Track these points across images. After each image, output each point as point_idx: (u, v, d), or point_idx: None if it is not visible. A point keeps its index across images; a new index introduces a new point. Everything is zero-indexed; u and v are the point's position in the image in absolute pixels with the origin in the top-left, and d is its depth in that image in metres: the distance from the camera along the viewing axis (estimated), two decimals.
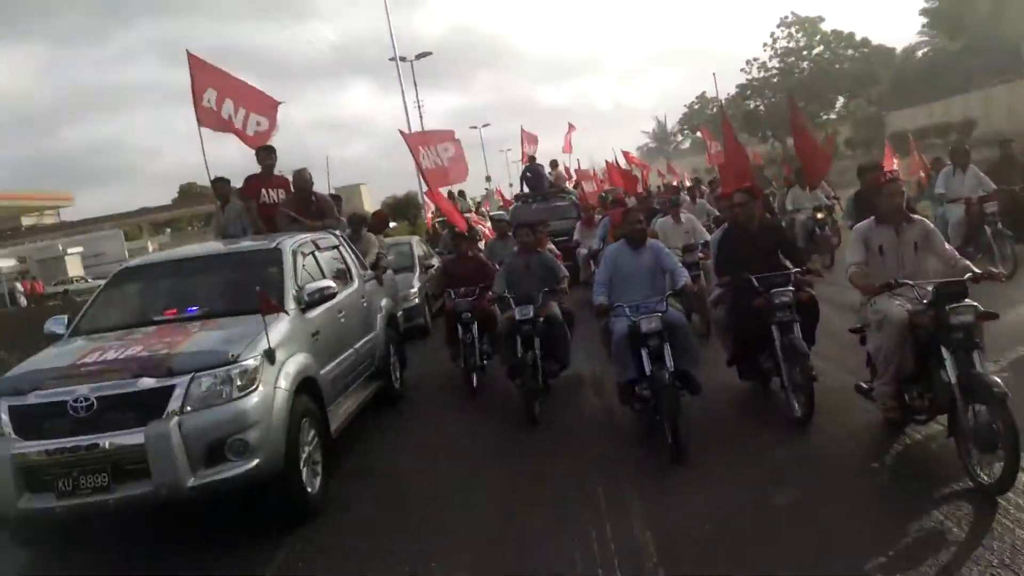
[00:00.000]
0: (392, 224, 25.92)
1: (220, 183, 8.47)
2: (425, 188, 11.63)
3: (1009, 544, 3.69)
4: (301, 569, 4.60)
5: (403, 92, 31.08)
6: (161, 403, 4.62)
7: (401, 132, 11.16)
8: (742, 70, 50.78)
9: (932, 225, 5.39)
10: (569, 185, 19.50)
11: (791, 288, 5.77)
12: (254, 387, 4.87)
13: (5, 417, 4.71)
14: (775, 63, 45.81)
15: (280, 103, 9.37)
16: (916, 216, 5.40)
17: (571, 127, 26.16)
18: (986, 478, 4.18)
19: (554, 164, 20.30)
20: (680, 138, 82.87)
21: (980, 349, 4.45)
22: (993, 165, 10.23)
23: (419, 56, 35.21)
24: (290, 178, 8.43)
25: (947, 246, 5.26)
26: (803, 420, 5.60)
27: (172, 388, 4.67)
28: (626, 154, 22.57)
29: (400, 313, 9.75)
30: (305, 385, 5.49)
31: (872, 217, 5.32)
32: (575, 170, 23.49)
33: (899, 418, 5.15)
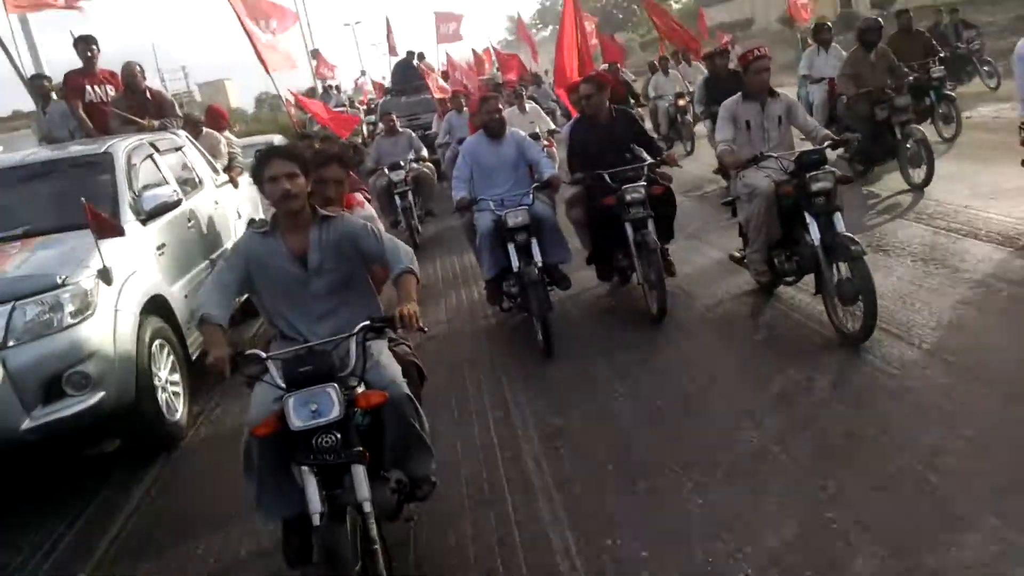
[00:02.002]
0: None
1: (37, 80, 7.48)
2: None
3: (869, 381, 4.15)
4: (161, 502, 4.26)
5: None
6: None
7: None
8: None
9: (793, 98, 5.64)
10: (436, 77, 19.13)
11: (643, 183, 5.49)
12: (90, 312, 4.34)
13: None
14: None
15: None
16: (779, 91, 5.55)
17: (441, 18, 25.42)
18: (850, 327, 4.63)
19: (421, 57, 19.81)
20: (535, 32, 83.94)
21: (840, 211, 4.77)
22: (890, 40, 9.57)
23: None
24: (114, 71, 7.52)
25: (808, 117, 5.63)
26: (659, 317, 5.46)
27: None
28: (487, 52, 21.96)
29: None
30: (153, 305, 4.99)
31: (739, 94, 5.50)
32: (448, 59, 22.73)
33: (770, 281, 5.57)
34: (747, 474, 3.48)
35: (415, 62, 18.73)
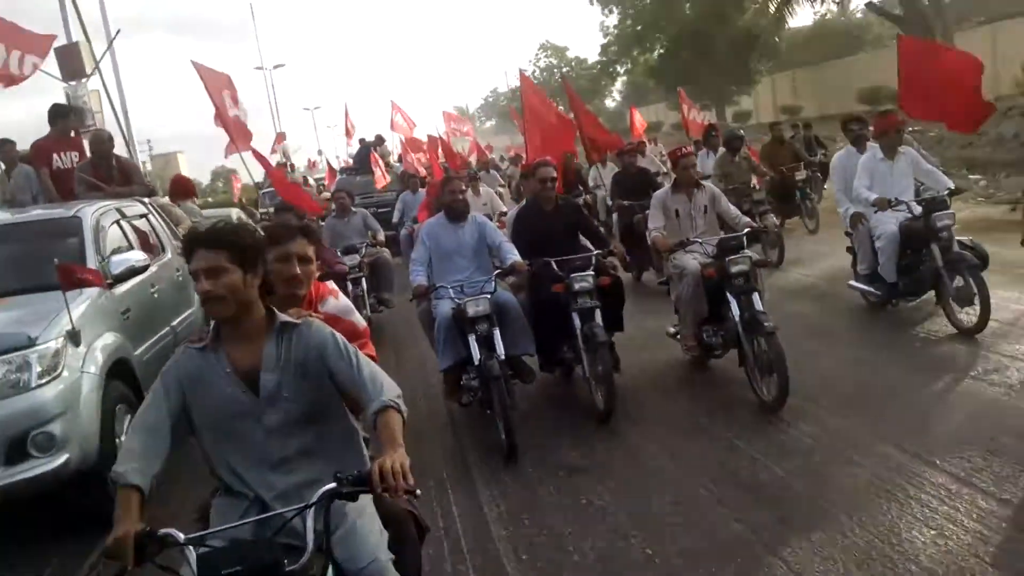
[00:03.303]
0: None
1: (3, 145, 7.47)
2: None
3: (777, 443, 4.63)
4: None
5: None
6: None
7: (195, 64, 8.74)
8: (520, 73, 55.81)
9: (718, 190, 6.26)
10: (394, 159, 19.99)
11: (592, 272, 5.40)
12: (57, 373, 4.32)
13: None
14: (539, 75, 56.65)
15: (54, 36, 8.40)
16: (706, 184, 6.22)
17: (395, 106, 26.62)
18: (767, 395, 5.08)
19: (380, 140, 20.79)
20: (479, 123, 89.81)
21: (758, 292, 5.30)
22: (763, 147, 11.56)
23: None
24: (83, 139, 7.60)
25: (731, 207, 6.13)
26: (605, 416, 5.19)
27: None
28: (447, 114, 22.86)
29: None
30: (118, 368, 4.97)
31: (669, 186, 6.19)
32: (403, 142, 23.64)
33: (701, 355, 5.93)
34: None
35: (374, 148, 19.39)
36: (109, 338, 4.99)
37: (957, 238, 6.28)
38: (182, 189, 9.00)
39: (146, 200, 7.25)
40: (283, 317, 2.44)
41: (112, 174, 7.24)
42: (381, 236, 9.35)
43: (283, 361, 2.39)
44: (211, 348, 2.39)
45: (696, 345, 5.81)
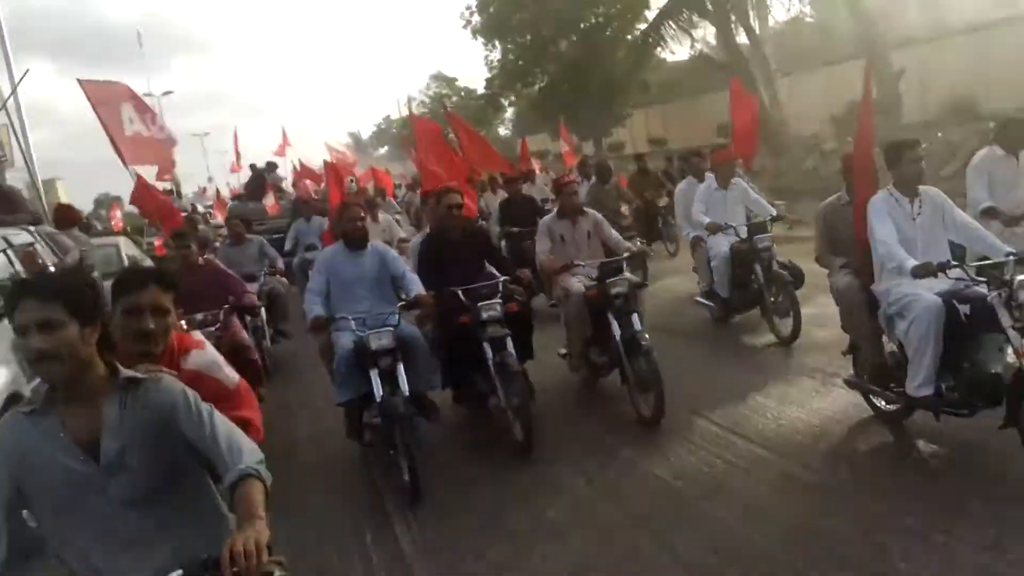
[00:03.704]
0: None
1: None
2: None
3: (662, 452, 4.91)
4: None
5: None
6: None
7: (81, 81, 8.45)
8: (408, 102, 62.86)
9: (600, 216, 6.50)
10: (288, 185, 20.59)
11: (499, 300, 5.27)
12: None
13: None
14: (429, 104, 58.37)
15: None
16: (588, 210, 6.49)
17: (285, 136, 27.05)
18: (646, 411, 5.32)
19: (272, 167, 20.93)
20: (372, 150, 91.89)
21: (638, 313, 5.49)
22: (631, 177, 12.63)
23: None
24: None
25: (613, 232, 6.39)
26: (527, 446, 5.03)
27: None
28: (330, 149, 23.17)
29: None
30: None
31: (555, 211, 6.46)
32: (295, 169, 23.78)
33: (588, 375, 6.09)
34: None
35: (266, 175, 19.46)
36: (1, 372, 4.75)
37: (778, 259, 7.07)
38: (67, 217, 8.57)
39: (31, 228, 6.93)
40: (127, 373, 2.14)
41: None
42: (280, 264, 9.07)
43: (127, 424, 2.08)
44: (42, 413, 2.07)
45: (583, 365, 6.00)
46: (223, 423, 2.16)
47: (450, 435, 5.78)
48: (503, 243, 9.93)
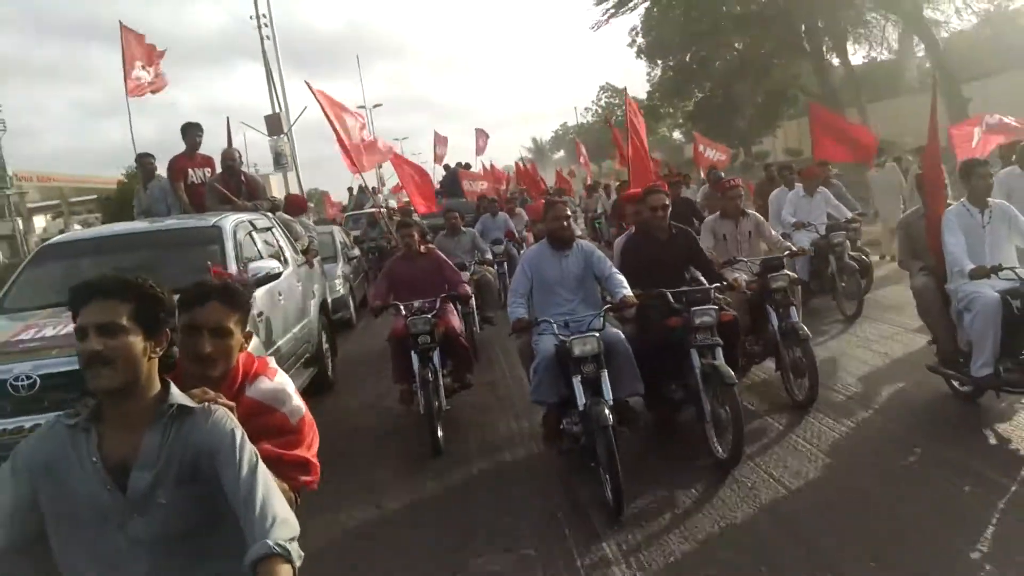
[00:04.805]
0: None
1: (146, 158, 8.09)
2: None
3: (816, 433, 5.23)
4: None
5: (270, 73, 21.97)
6: None
7: (308, 85, 9.44)
8: (585, 110, 68.84)
9: (761, 218, 7.06)
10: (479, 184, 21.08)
11: (714, 307, 5.02)
12: None
13: None
14: (599, 113, 61.80)
15: (163, 51, 9.33)
16: (750, 212, 6.95)
17: (480, 133, 28.85)
18: (799, 396, 5.73)
19: (466, 166, 22.04)
20: (551, 154, 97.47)
21: (795, 306, 5.88)
22: (759, 184, 12.48)
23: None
24: (211, 157, 8.18)
25: (773, 232, 6.96)
26: (730, 462, 4.73)
27: None
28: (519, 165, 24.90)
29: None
30: None
31: (718, 212, 6.90)
32: (484, 169, 25.28)
33: (744, 363, 6.23)
34: None
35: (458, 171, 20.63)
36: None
37: (850, 252, 8.52)
38: (297, 205, 9.51)
39: (270, 214, 7.72)
40: (179, 398, 1.93)
41: (241, 188, 7.74)
42: (489, 256, 9.80)
43: (164, 457, 1.86)
44: (83, 428, 1.88)
45: (742, 353, 5.99)
46: (264, 483, 1.87)
47: (645, 443, 5.45)
48: None
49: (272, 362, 2.67)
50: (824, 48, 28.34)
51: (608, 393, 4.58)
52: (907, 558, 3.60)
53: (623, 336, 5.03)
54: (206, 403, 1.97)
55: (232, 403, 2.14)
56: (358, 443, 6.21)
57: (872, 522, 3.99)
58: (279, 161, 16.88)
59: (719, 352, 4.93)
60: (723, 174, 12.00)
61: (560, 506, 4.61)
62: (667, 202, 5.63)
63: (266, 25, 20.02)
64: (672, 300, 5.07)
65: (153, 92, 9.44)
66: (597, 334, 4.68)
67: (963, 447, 4.77)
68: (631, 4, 32.51)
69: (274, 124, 16.40)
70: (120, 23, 8.20)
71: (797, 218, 8.74)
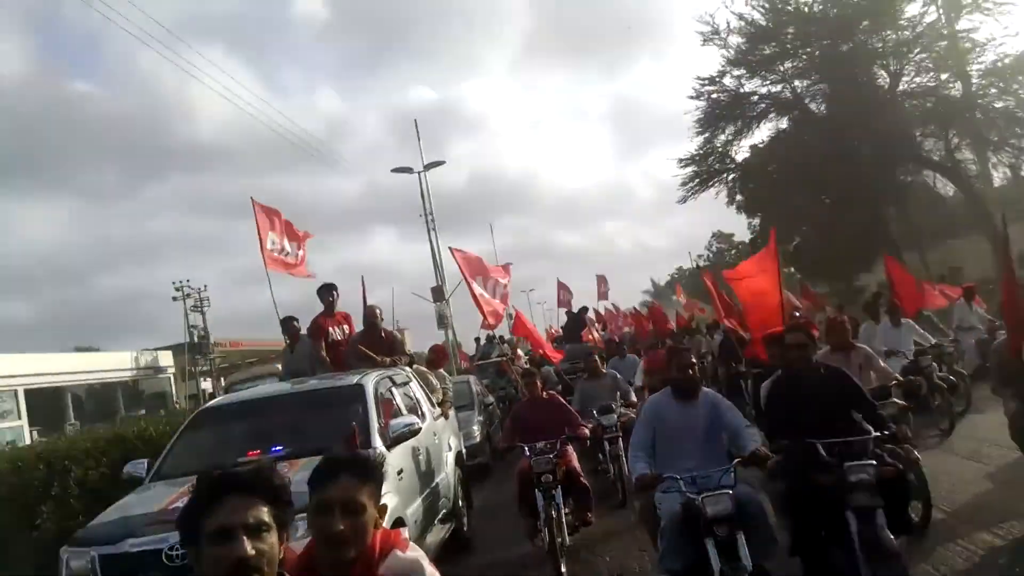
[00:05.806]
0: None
1: (291, 321, 8.51)
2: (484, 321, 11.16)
3: None
4: None
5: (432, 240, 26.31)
6: None
7: (452, 251, 10.70)
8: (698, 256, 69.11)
9: (870, 350, 7.05)
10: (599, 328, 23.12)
11: (872, 462, 4.33)
12: None
13: (97, 568, 4.49)
14: (712, 258, 64.65)
15: (310, 235, 9.92)
16: (859, 345, 7.02)
17: (601, 280, 30.25)
18: None
19: (584, 309, 23.08)
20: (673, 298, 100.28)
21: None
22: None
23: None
24: (348, 313, 8.54)
25: (883, 363, 6.94)
26: None
27: None
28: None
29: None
30: (395, 528, 5.25)
31: (828, 347, 6.85)
32: (608, 311, 26.13)
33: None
34: None
35: (583, 315, 21.93)
36: (388, 497, 5.31)
37: (939, 373, 9.28)
38: (439, 358, 9.75)
39: (407, 369, 7.88)
40: None
41: (381, 344, 7.98)
42: (633, 398, 9.36)
43: None
44: None
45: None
46: None
47: None
48: (749, 382, 10.70)
49: (404, 532, 2.62)
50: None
51: (747, 559, 4.14)
52: None
53: (757, 496, 4.63)
54: None
55: None
56: None
57: None
58: (442, 322, 21.88)
59: (880, 515, 4.21)
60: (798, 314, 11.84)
61: None
62: (803, 341, 5.06)
63: (431, 214, 24.29)
64: (823, 452, 4.40)
65: (294, 275, 10.01)
66: (730, 491, 4.29)
67: None
68: (710, 184, 34.31)
69: (438, 293, 22.15)
70: (252, 199, 8.90)
71: (886, 347, 9.40)
